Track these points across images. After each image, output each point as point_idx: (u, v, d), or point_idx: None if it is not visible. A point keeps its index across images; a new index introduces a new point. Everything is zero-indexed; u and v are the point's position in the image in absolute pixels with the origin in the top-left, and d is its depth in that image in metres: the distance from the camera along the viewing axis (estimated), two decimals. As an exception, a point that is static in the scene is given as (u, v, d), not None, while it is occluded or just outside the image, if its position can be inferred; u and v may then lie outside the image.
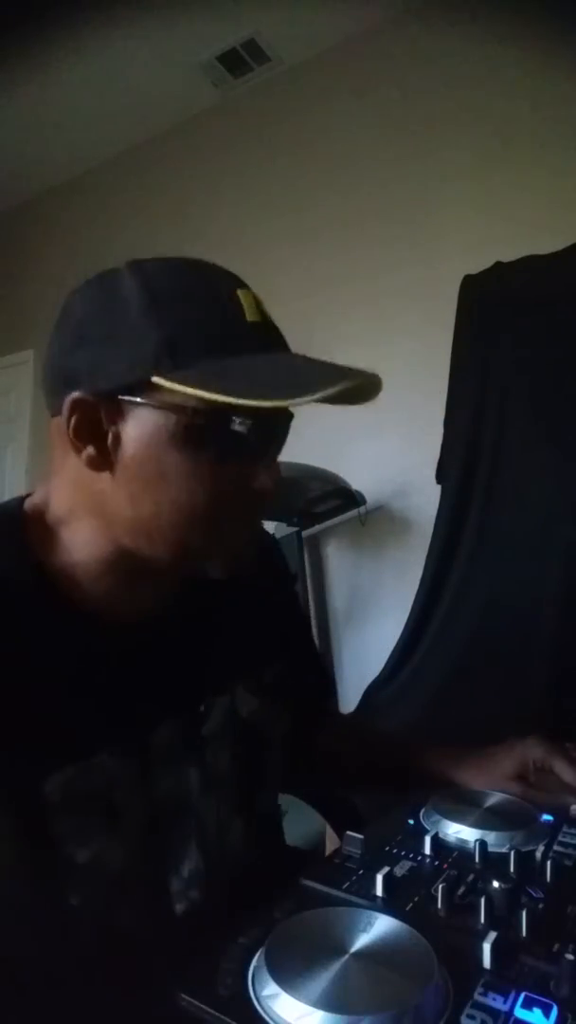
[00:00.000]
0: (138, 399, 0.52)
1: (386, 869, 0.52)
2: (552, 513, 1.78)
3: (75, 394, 0.53)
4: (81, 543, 0.58)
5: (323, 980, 0.38)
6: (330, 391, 0.49)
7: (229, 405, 0.49)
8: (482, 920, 0.47)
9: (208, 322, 0.53)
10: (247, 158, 2.82)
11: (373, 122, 2.47)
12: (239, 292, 0.55)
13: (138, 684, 0.59)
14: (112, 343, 0.53)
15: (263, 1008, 0.38)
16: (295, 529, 2.19)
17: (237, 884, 0.62)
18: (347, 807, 0.85)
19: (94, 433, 0.54)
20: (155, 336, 0.51)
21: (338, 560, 2.39)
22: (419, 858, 0.57)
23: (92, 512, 0.58)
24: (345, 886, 0.52)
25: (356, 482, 2.09)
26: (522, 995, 0.40)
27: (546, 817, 0.64)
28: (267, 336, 0.55)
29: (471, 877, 0.53)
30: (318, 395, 0.49)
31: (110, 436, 0.54)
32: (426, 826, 0.62)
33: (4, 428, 3.55)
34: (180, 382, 0.50)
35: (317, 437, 1.89)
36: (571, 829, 0.63)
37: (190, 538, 0.56)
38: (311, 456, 1.86)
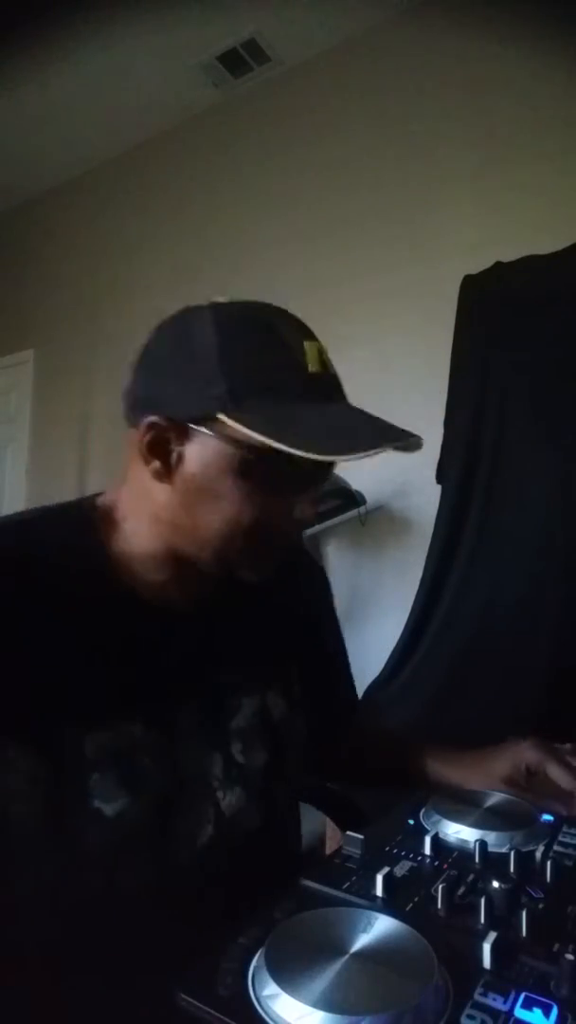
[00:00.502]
0: (203, 429, 0.60)
1: (386, 869, 0.52)
2: (552, 513, 1.78)
3: (152, 417, 0.62)
4: (139, 539, 0.67)
5: (323, 980, 0.38)
6: (371, 453, 0.56)
7: (275, 450, 0.56)
8: (482, 920, 0.47)
9: (271, 370, 0.60)
10: (247, 158, 2.82)
11: (373, 122, 2.47)
12: (306, 343, 0.61)
13: (173, 665, 0.67)
14: (187, 380, 0.61)
15: (263, 1008, 0.38)
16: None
17: (244, 864, 0.66)
18: (351, 806, 0.85)
19: (162, 451, 0.63)
20: (223, 382, 0.59)
21: (338, 560, 2.39)
22: (419, 858, 0.57)
23: (151, 515, 0.66)
24: (345, 886, 0.52)
25: (356, 482, 2.09)
26: (522, 995, 0.40)
27: (546, 817, 0.64)
28: (325, 387, 0.62)
29: (471, 877, 0.53)
30: (359, 455, 0.56)
31: (175, 455, 0.63)
32: (426, 826, 0.62)
33: (4, 428, 3.55)
34: (241, 423, 0.58)
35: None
36: (571, 829, 0.63)
37: (231, 548, 0.63)
38: (311, 456, 1.86)
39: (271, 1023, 0.37)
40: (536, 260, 1.93)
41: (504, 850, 0.57)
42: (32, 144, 3.19)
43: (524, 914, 0.46)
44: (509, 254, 1.99)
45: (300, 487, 0.63)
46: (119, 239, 3.24)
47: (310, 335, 0.63)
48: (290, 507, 0.63)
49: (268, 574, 0.66)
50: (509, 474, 1.90)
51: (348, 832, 0.58)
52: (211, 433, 0.60)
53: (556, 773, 0.74)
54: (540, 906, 0.49)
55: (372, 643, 2.12)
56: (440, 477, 2.03)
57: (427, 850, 0.57)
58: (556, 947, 0.44)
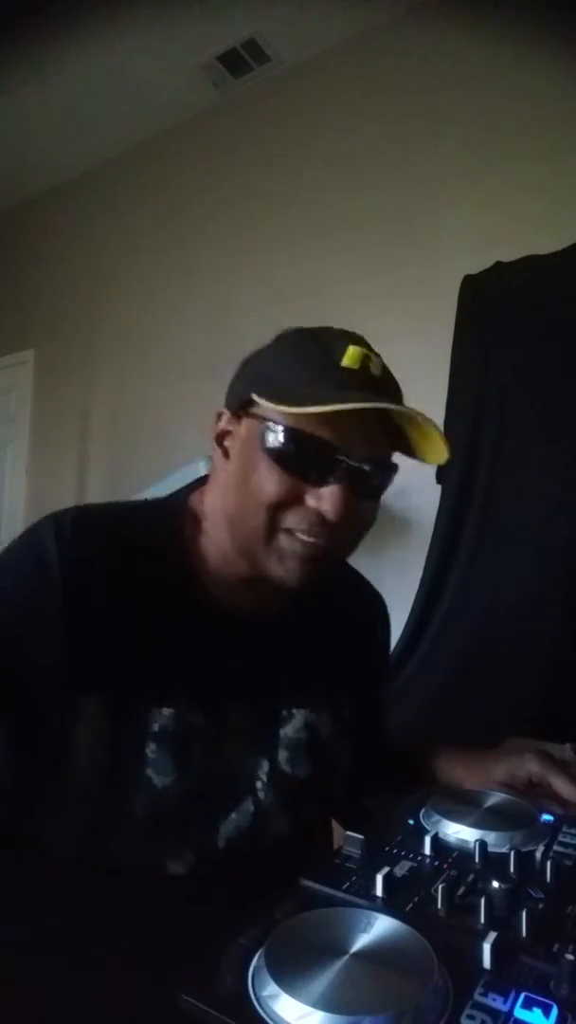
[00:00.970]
0: (246, 412, 0.67)
1: (386, 869, 0.52)
2: (552, 513, 1.78)
3: (220, 408, 0.71)
4: (211, 540, 0.72)
5: (323, 980, 0.38)
6: (339, 407, 0.59)
7: (293, 428, 0.62)
8: (482, 920, 0.47)
9: (305, 362, 0.66)
10: (247, 158, 2.82)
11: (373, 122, 2.47)
12: (350, 346, 0.65)
13: (235, 666, 0.70)
14: (245, 376, 0.70)
15: (263, 1008, 0.38)
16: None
17: (267, 868, 0.64)
18: (357, 807, 0.85)
19: (223, 438, 0.71)
20: (266, 371, 0.68)
21: (338, 560, 2.39)
22: (419, 858, 0.57)
23: (223, 512, 0.70)
24: (345, 886, 0.52)
25: (356, 482, 2.09)
26: (522, 995, 0.39)
27: (546, 817, 0.64)
28: (355, 380, 0.64)
29: (471, 877, 0.53)
30: (325, 408, 0.59)
31: (233, 440, 0.69)
32: (426, 826, 0.62)
33: (4, 428, 3.56)
34: (262, 397, 0.64)
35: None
36: (571, 829, 0.63)
37: (253, 528, 0.65)
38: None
39: (271, 1023, 0.37)
40: (536, 260, 1.93)
41: (504, 850, 0.57)
42: (32, 144, 3.20)
43: (524, 914, 0.46)
44: (509, 254, 1.99)
45: (317, 474, 0.64)
46: (119, 239, 3.24)
47: (357, 340, 0.68)
48: (306, 493, 0.64)
49: (296, 579, 0.66)
50: (509, 474, 1.90)
51: (348, 832, 0.58)
52: (253, 415, 0.66)
53: (560, 786, 0.74)
54: (540, 906, 0.49)
55: (372, 643, 2.11)
56: (440, 477, 2.03)
57: (427, 850, 0.57)
58: (556, 947, 0.44)
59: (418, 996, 0.37)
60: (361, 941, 0.42)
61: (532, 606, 1.75)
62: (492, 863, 0.55)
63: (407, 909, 0.49)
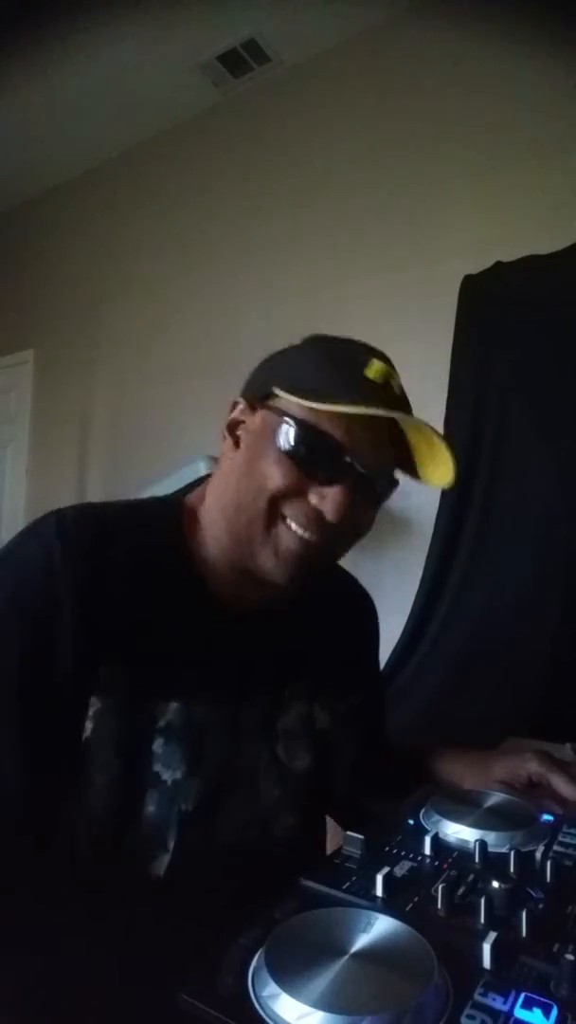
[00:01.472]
0: (263, 404, 0.69)
1: (386, 869, 0.52)
2: (552, 513, 1.78)
3: (236, 397, 0.72)
4: (212, 535, 0.72)
5: (323, 980, 0.38)
6: (364, 410, 0.61)
7: (308, 423, 0.64)
8: (482, 920, 0.47)
9: (331, 367, 0.67)
10: (247, 158, 2.82)
11: (373, 122, 2.47)
12: (374, 359, 0.67)
13: (241, 661, 0.71)
14: (269, 368, 0.72)
15: (263, 1008, 0.38)
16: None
17: (271, 860, 0.66)
18: (358, 807, 0.85)
19: (234, 428, 0.71)
20: (291, 368, 0.69)
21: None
22: (419, 858, 0.57)
23: (224, 501, 0.70)
24: (345, 886, 0.52)
25: (356, 482, 2.09)
26: (522, 995, 0.39)
27: (546, 817, 0.64)
28: (376, 392, 0.66)
29: (471, 877, 0.53)
30: (349, 409, 0.61)
31: (244, 429, 0.70)
32: (426, 826, 0.62)
33: (4, 428, 3.56)
34: (283, 391, 0.66)
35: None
36: (571, 829, 0.63)
37: (253, 516, 0.66)
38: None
39: (271, 1023, 0.37)
40: (536, 260, 1.93)
41: (504, 850, 0.57)
42: (32, 144, 3.20)
43: (524, 914, 0.46)
44: (509, 254, 1.99)
45: (324, 473, 0.65)
46: (119, 239, 3.24)
47: (383, 358, 0.70)
48: (306, 488, 0.65)
49: (285, 575, 0.67)
50: (509, 474, 1.90)
51: (348, 832, 0.58)
52: (268, 407, 0.68)
53: (561, 785, 0.74)
54: (540, 906, 0.49)
55: (372, 643, 2.11)
56: (440, 477, 2.02)
57: (427, 850, 0.57)
58: (556, 947, 0.44)
59: (418, 996, 0.37)
60: (361, 941, 0.42)
61: (532, 606, 1.75)
62: (492, 863, 0.56)
63: (407, 909, 0.49)
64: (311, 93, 2.66)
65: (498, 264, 2.00)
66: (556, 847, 0.59)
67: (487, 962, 0.42)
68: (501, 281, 1.98)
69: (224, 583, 0.72)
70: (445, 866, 0.55)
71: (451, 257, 2.12)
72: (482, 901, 0.47)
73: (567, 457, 1.79)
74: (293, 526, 0.66)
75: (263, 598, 0.73)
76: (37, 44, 2.51)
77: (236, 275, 2.76)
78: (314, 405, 0.63)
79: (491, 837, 0.58)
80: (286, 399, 0.66)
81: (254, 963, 0.41)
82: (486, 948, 0.42)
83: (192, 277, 2.90)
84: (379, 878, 0.51)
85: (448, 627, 1.88)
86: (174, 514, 0.75)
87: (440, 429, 2.31)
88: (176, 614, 0.68)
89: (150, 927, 0.58)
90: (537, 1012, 0.38)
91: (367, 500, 0.69)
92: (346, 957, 0.40)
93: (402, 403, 0.69)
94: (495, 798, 0.67)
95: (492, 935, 0.43)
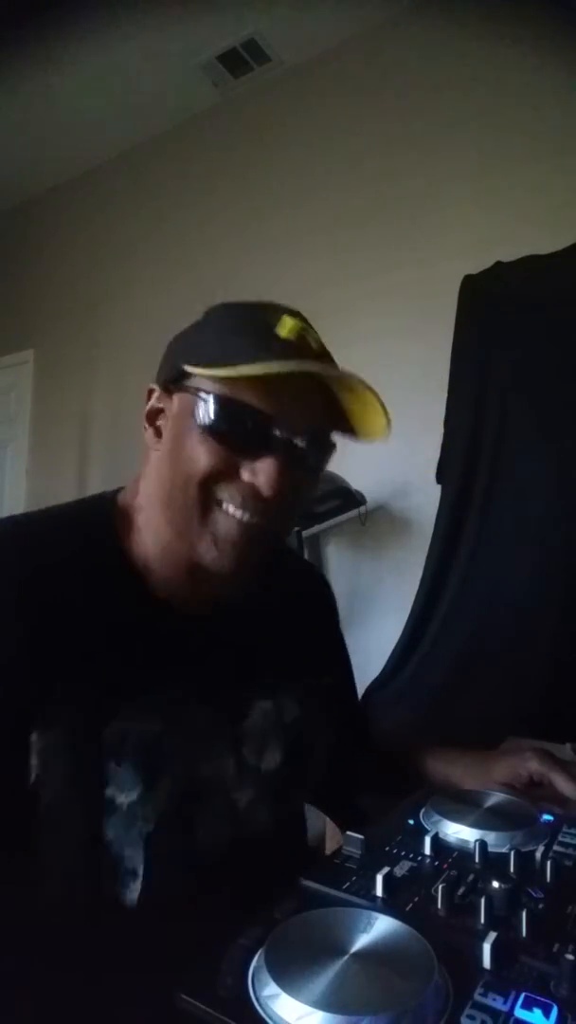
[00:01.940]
0: (176, 387, 0.65)
1: (386, 869, 0.52)
2: (552, 513, 1.78)
3: (151, 384, 0.69)
4: (149, 532, 0.68)
5: (323, 980, 0.38)
6: (275, 368, 0.57)
7: (225, 396, 0.60)
8: (482, 920, 0.47)
9: (239, 332, 0.63)
10: (247, 158, 2.82)
11: (373, 122, 2.47)
12: (285, 317, 0.63)
13: (189, 666, 0.67)
14: (175, 350, 0.68)
15: (263, 1008, 0.38)
16: (295, 529, 2.19)
17: (257, 864, 0.65)
18: (353, 807, 0.85)
19: (154, 417, 0.68)
20: (197, 342, 0.65)
21: (338, 560, 2.39)
22: (419, 858, 0.57)
23: (158, 497, 0.67)
24: (345, 886, 0.52)
25: (356, 482, 2.09)
26: (522, 995, 0.40)
27: (546, 817, 0.64)
28: (291, 349, 0.61)
29: (471, 877, 0.53)
30: (260, 370, 0.57)
31: (164, 418, 0.67)
32: (426, 826, 0.62)
33: (4, 428, 3.55)
34: (191, 366, 0.62)
35: (317, 437, 1.89)
36: (571, 829, 0.63)
37: (187, 505, 0.63)
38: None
39: (271, 1023, 0.37)
40: (536, 260, 1.93)
41: (504, 850, 0.57)
42: (32, 144, 3.19)
43: (524, 914, 0.46)
44: (509, 254, 1.99)
45: (251, 446, 0.61)
46: (119, 239, 3.24)
47: (295, 314, 0.64)
48: (239, 466, 0.62)
49: (230, 563, 0.63)
50: (509, 474, 1.90)
51: (348, 832, 0.58)
52: (184, 388, 0.64)
53: (562, 784, 0.74)
54: (540, 906, 0.49)
55: (372, 643, 2.11)
56: (440, 477, 2.03)
57: (427, 850, 0.57)
58: (556, 947, 0.44)
59: (418, 996, 0.37)
60: (361, 941, 0.42)
61: (532, 606, 1.75)
62: (492, 863, 0.56)
63: (407, 909, 0.49)
64: (311, 93, 2.66)
65: (498, 264, 2.00)
66: (556, 847, 0.59)
67: (487, 962, 0.42)
68: (501, 281, 1.98)
69: (171, 582, 0.67)
70: (445, 866, 0.55)
71: (451, 257, 2.12)
72: (482, 901, 0.47)
73: (567, 457, 1.79)
74: (230, 509, 0.62)
75: (215, 592, 0.69)
76: (37, 44, 2.51)
77: (236, 275, 2.76)
78: (222, 373, 0.59)
79: (491, 837, 0.58)
80: (198, 375, 0.62)
81: (254, 963, 0.41)
82: (486, 948, 0.42)
83: (192, 277, 2.90)
84: (379, 878, 0.51)
85: (448, 627, 1.88)
86: (106, 517, 0.70)
87: (440, 429, 2.28)
88: (119, 625, 0.64)
89: (150, 927, 0.58)
90: (537, 1012, 0.38)
91: (303, 467, 0.64)
92: (346, 957, 0.40)
93: (322, 356, 0.64)
94: (495, 798, 0.67)
95: (492, 935, 0.43)
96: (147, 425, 0.68)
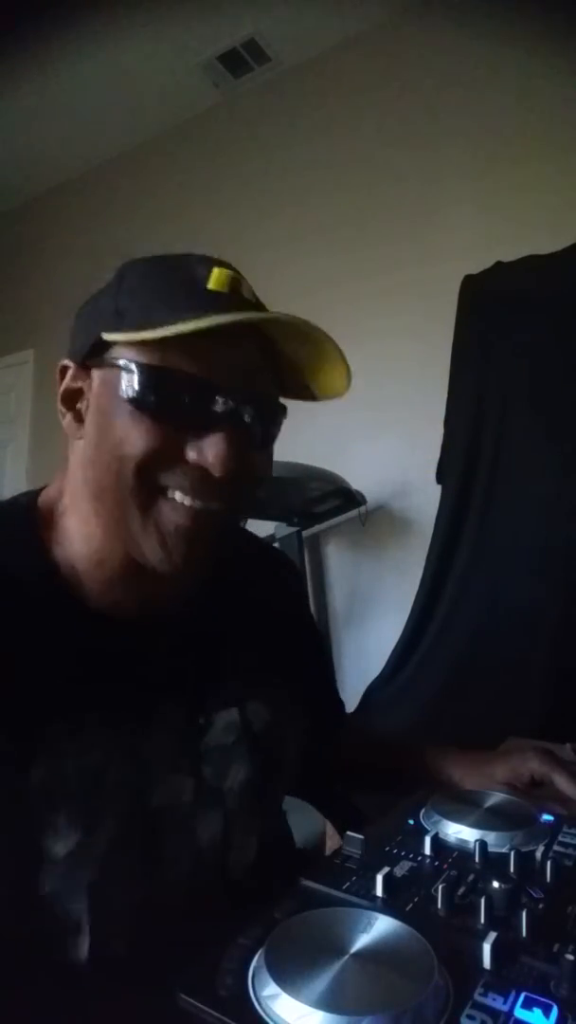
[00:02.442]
0: (94, 361, 0.56)
1: (386, 869, 0.52)
2: (552, 513, 1.78)
3: (63, 361, 0.59)
4: (79, 533, 0.60)
5: (323, 980, 0.38)
6: (209, 322, 0.49)
7: (156, 365, 0.52)
8: (482, 920, 0.47)
9: (160, 290, 0.55)
10: (247, 158, 2.82)
11: (373, 122, 2.47)
12: (215, 268, 0.56)
13: (130, 685, 0.58)
14: (87, 319, 0.59)
15: (263, 1008, 0.38)
16: (295, 529, 2.19)
17: (237, 883, 0.62)
18: (350, 807, 0.85)
19: (73, 400, 0.58)
20: (115, 306, 0.55)
21: (338, 560, 2.39)
22: (419, 858, 0.57)
23: (84, 494, 0.58)
24: (345, 886, 0.52)
25: (356, 482, 2.09)
26: (522, 995, 0.39)
27: (546, 817, 0.64)
28: (224, 302, 0.54)
29: (471, 877, 0.53)
30: (191, 325, 0.49)
31: (84, 402, 0.58)
32: (426, 826, 0.62)
33: (4, 428, 3.55)
34: (114, 333, 0.53)
35: (317, 437, 1.89)
36: (571, 829, 0.63)
37: (123, 498, 0.54)
38: (311, 456, 1.86)
39: (271, 1023, 0.37)
40: (536, 260, 1.93)
41: (504, 850, 0.57)
42: (32, 144, 3.19)
43: (524, 914, 0.46)
44: (509, 254, 1.99)
45: (193, 419, 0.53)
46: (119, 239, 3.24)
47: (223, 264, 0.57)
48: (183, 444, 0.54)
49: (183, 562, 0.55)
50: (509, 474, 1.90)
51: (348, 832, 0.58)
52: (100, 363, 0.56)
53: (563, 783, 0.73)
54: (540, 906, 0.49)
55: (372, 643, 2.12)
56: (440, 477, 2.03)
57: (427, 850, 0.57)
58: (556, 947, 0.44)
59: (418, 996, 0.37)
60: (361, 941, 0.42)
61: (532, 606, 1.75)
62: (492, 863, 0.55)
63: (407, 909, 0.49)
64: (311, 93, 2.66)
65: (498, 264, 2.00)
66: (556, 847, 0.59)
67: (487, 962, 0.42)
68: (501, 281, 1.98)
69: (106, 591, 0.59)
70: (445, 866, 0.55)
71: (451, 257, 2.12)
72: (482, 901, 0.47)
73: (567, 457, 1.79)
74: (177, 496, 0.54)
75: (161, 597, 0.61)
76: (37, 44, 2.51)
77: (236, 275, 2.76)
78: (150, 335, 0.50)
79: (491, 837, 0.58)
80: (120, 343, 0.53)
81: (254, 963, 0.41)
82: (486, 948, 0.42)
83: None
84: (379, 878, 0.51)
85: (448, 627, 1.88)
86: (24, 521, 0.61)
87: (440, 429, 2.27)
88: (43, 644, 0.55)
89: (149, 927, 0.57)
90: (537, 1012, 0.38)
91: (254, 439, 0.56)
92: (346, 957, 0.40)
93: (258, 308, 0.57)
94: (495, 798, 0.67)
95: (492, 935, 0.43)
96: (64, 410, 0.58)
